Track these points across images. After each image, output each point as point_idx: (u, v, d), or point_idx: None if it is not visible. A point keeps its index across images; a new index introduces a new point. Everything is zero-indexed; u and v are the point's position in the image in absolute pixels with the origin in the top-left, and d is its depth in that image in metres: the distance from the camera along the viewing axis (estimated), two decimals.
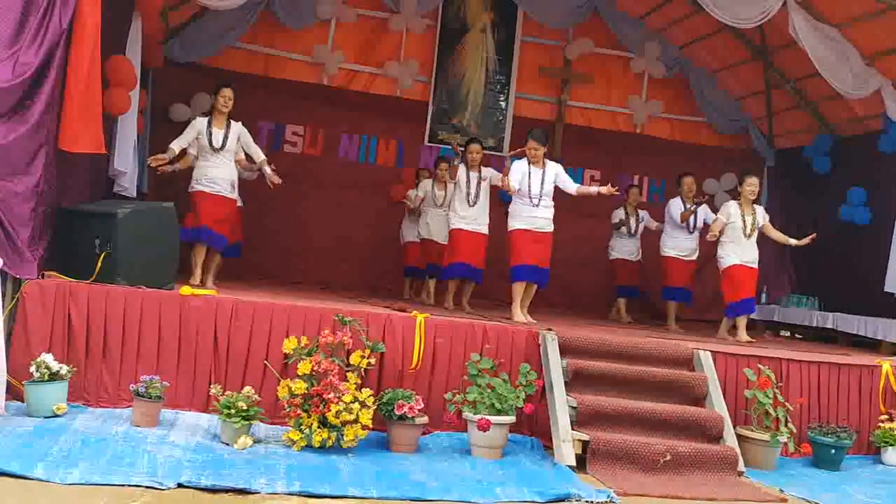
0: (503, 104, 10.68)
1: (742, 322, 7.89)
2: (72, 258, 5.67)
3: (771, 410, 5.73)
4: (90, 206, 5.88)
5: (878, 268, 8.41)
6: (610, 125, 11.04)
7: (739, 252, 7.78)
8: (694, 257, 8.83)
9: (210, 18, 9.22)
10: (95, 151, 5.63)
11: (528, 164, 7.06)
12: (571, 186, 7.22)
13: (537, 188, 7.03)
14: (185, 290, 5.64)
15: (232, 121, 7.03)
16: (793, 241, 7.89)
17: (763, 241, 10.71)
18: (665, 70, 10.87)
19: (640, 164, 10.98)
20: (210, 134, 6.89)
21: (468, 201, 7.75)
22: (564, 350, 5.82)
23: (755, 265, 7.87)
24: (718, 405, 5.72)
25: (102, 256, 5.50)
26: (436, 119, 10.48)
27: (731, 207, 7.87)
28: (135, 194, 7.61)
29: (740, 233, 7.75)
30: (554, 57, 10.83)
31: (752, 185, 7.81)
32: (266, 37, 9.94)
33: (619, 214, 9.55)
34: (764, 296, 10.32)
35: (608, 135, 10.97)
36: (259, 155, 7.14)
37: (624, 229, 9.48)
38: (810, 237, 7.77)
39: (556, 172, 7.14)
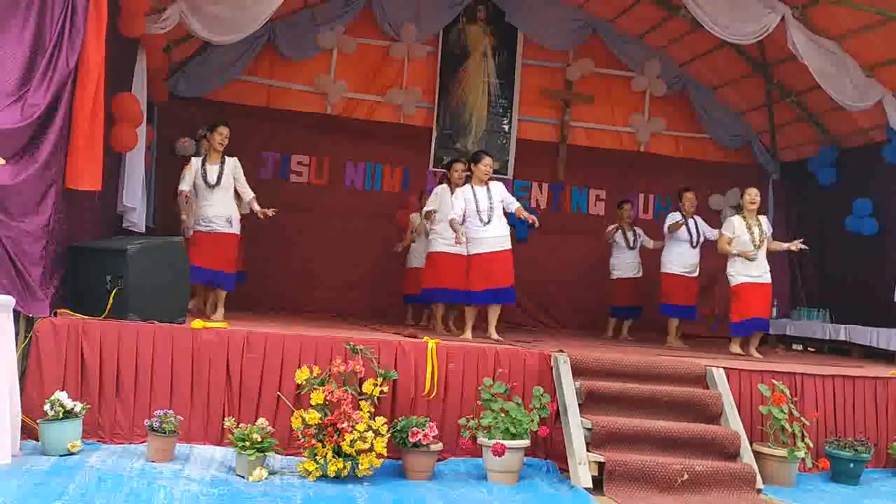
0: (506, 127, 10.73)
1: (755, 339, 7.86)
2: (83, 295, 5.70)
3: (787, 426, 5.70)
4: (100, 243, 5.91)
5: (887, 278, 8.39)
6: (614, 144, 11.08)
7: (748, 267, 7.70)
8: (696, 273, 8.75)
9: (213, 53, 9.33)
10: (93, 189, 5.66)
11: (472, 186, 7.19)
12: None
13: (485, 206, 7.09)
14: (197, 323, 5.65)
15: (227, 156, 7.12)
16: (785, 245, 7.88)
17: (770, 255, 10.78)
18: (666, 87, 10.92)
19: (645, 182, 11.01)
20: (205, 172, 7.00)
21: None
22: (577, 371, 5.81)
23: (766, 280, 7.76)
24: (734, 422, 5.69)
25: (114, 293, 5.52)
26: (440, 144, 10.53)
27: (735, 221, 7.79)
28: (143, 230, 7.65)
29: (749, 246, 7.67)
30: (555, 78, 10.90)
31: (751, 195, 7.78)
32: (268, 69, 10.05)
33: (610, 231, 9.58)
34: (775, 310, 10.28)
35: (612, 154, 11.00)
36: (247, 193, 7.16)
37: (622, 241, 9.47)
38: (798, 244, 7.78)
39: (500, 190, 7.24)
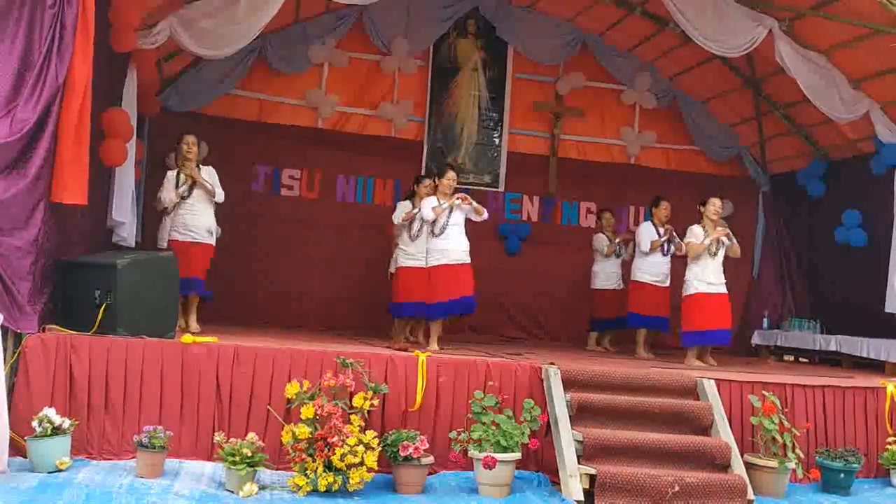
0: (497, 140, 10.76)
1: (707, 348, 7.82)
2: (72, 310, 5.69)
3: (777, 436, 5.71)
4: (90, 258, 5.90)
5: (877, 289, 8.41)
6: (604, 157, 11.10)
7: (705, 275, 7.66)
8: (667, 283, 8.68)
9: (204, 67, 9.33)
10: (79, 202, 5.64)
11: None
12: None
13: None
14: (187, 338, 5.64)
15: (202, 166, 7.28)
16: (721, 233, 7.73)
17: (763, 265, 10.82)
18: (656, 100, 10.96)
19: (636, 194, 11.01)
20: (178, 183, 7.15)
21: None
22: (568, 384, 5.81)
23: (723, 290, 7.73)
24: (725, 433, 5.69)
25: (103, 307, 5.51)
26: (431, 157, 10.53)
27: (696, 229, 7.79)
28: (133, 244, 7.64)
29: (704, 252, 7.67)
30: (546, 92, 10.93)
31: (715, 205, 7.84)
32: (260, 83, 10.05)
33: (603, 240, 9.52)
34: (765, 320, 10.32)
35: (603, 167, 11.03)
36: (219, 197, 7.29)
37: (605, 250, 9.46)
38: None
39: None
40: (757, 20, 8.00)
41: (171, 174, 7.26)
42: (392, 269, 8.58)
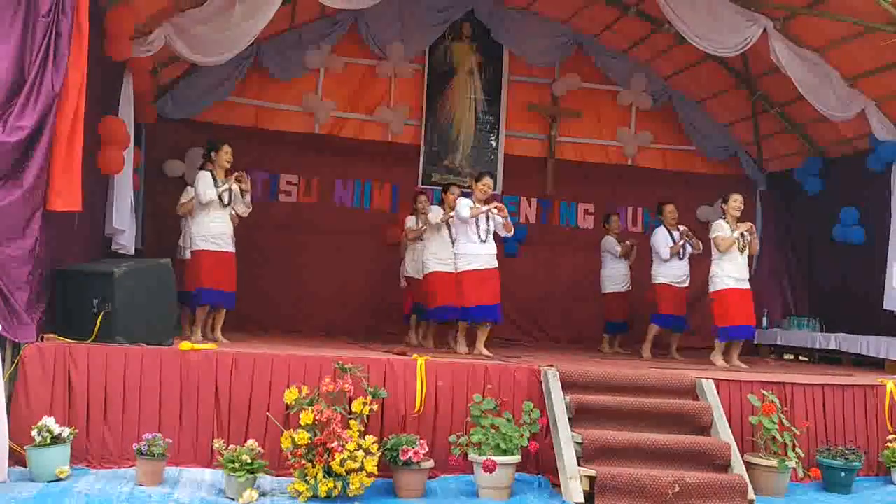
0: (494, 143, 10.78)
1: (737, 349, 7.80)
2: (70, 319, 5.68)
3: (777, 436, 5.70)
4: (87, 266, 5.90)
5: (876, 286, 8.42)
6: (601, 158, 11.12)
7: (735, 270, 7.64)
8: (686, 283, 8.73)
9: (200, 74, 9.34)
10: (73, 209, 5.62)
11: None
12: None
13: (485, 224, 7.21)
14: (185, 345, 5.64)
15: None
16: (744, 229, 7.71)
17: (762, 264, 10.82)
18: (652, 101, 10.98)
19: (634, 195, 11.03)
20: (216, 185, 7.00)
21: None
22: (567, 386, 5.80)
23: (748, 285, 7.76)
24: (724, 433, 5.69)
25: (101, 316, 5.50)
26: (428, 161, 10.56)
27: (723, 223, 7.76)
28: (133, 252, 7.63)
29: (736, 249, 7.67)
30: (542, 94, 10.95)
31: (737, 201, 7.80)
32: (256, 89, 10.06)
33: (613, 243, 9.49)
34: (765, 319, 10.31)
35: (600, 168, 11.05)
36: (246, 210, 7.26)
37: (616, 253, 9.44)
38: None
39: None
40: (751, 19, 8.02)
41: (207, 174, 7.01)
42: (412, 275, 8.56)
